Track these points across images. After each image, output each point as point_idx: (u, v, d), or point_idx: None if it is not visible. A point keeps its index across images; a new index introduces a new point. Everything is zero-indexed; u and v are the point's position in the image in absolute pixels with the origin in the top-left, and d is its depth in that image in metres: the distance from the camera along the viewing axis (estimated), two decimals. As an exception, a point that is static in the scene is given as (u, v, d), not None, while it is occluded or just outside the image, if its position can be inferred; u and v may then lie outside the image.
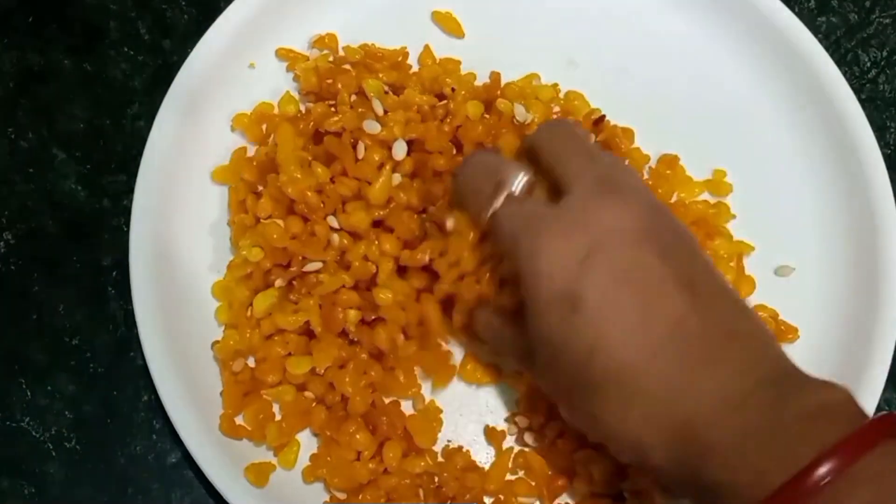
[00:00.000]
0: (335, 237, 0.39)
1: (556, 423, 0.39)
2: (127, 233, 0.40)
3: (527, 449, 0.40)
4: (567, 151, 0.35)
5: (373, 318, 0.39)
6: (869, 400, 0.39)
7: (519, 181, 0.35)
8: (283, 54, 0.44)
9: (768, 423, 0.28)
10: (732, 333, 0.31)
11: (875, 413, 0.41)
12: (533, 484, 0.39)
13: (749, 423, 0.28)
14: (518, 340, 0.35)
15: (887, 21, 0.49)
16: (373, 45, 0.44)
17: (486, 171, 0.35)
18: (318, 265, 0.39)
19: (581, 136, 0.36)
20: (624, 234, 0.31)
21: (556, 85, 0.44)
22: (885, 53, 0.49)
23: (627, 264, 0.31)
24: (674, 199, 0.43)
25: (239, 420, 0.39)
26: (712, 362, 0.30)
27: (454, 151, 0.41)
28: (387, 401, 0.39)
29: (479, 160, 0.37)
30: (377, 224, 0.40)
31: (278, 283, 0.39)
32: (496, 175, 0.35)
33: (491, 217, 0.34)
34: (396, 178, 0.40)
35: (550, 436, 0.39)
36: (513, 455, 0.40)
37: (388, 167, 0.39)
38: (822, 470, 0.25)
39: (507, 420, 0.40)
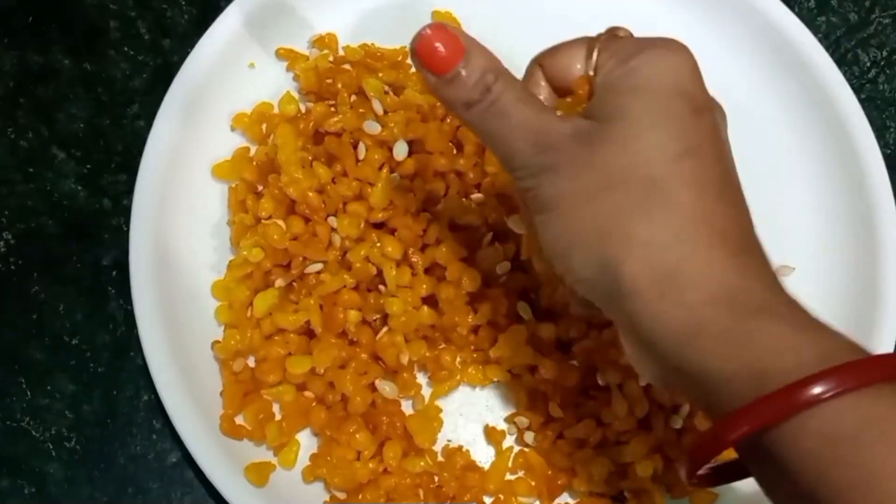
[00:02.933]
0: (336, 237, 0.39)
1: (557, 424, 0.39)
2: (127, 233, 0.40)
3: (527, 449, 0.40)
4: (575, 47, 0.33)
5: (374, 318, 0.39)
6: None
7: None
8: (283, 54, 0.44)
9: (792, 311, 0.27)
10: (736, 203, 0.29)
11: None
12: (533, 484, 0.39)
13: (770, 304, 0.27)
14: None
15: (887, 21, 0.49)
16: (373, 44, 0.44)
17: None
18: (318, 266, 0.39)
19: (577, 41, 0.34)
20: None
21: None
22: (884, 53, 0.49)
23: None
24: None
25: (239, 420, 0.39)
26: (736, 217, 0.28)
27: (454, 151, 0.42)
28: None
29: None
30: (379, 226, 0.40)
31: (279, 283, 0.39)
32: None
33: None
34: (395, 179, 0.40)
35: (550, 436, 0.39)
36: (513, 455, 0.40)
37: (385, 170, 0.39)
38: (826, 385, 0.24)
39: (506, 420, 0.40)
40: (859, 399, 0.24)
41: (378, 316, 0.40)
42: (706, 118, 0.30)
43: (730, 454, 0.27)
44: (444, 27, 0.29)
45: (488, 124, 0.29)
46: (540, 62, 0.33)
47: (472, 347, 0.40)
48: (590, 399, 0.40)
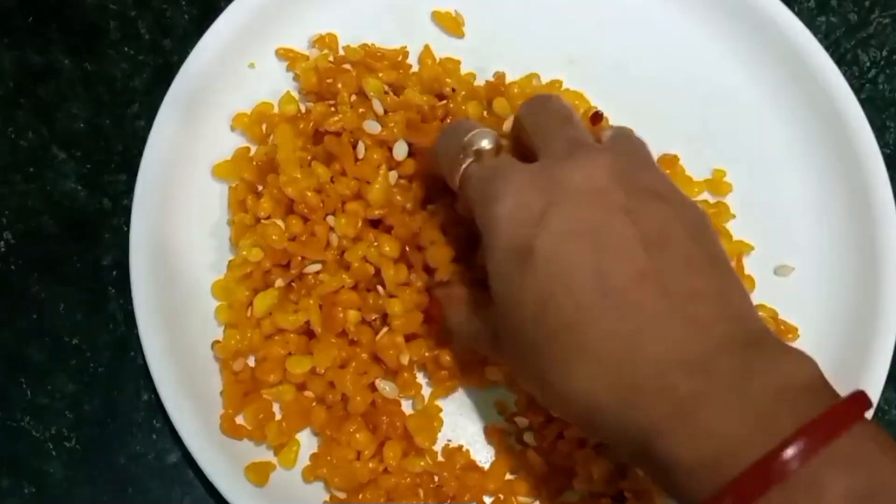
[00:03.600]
0: (335, 237, 0.39)
1: (556, 424, 0.39)
2: (127, 233, 0.40)
3: (526, 449, 0.40)
4: (543, 118, 0.35)
5: (373, 318, 0.39)
6: (869, 399, 0.39)
7: (487, 140, 0.35)
8: (283, 54, 0.44)
9: (730, 393, 0.26)
10: (698, 292, 0.29)
11: (874, 414, 0.41)
12: (533, 483, 0.39)
13: (709, 390, 0.26)
14: (486, 324, 0.35)
15: (887, 21, 0.49)
16: (373, 44, 0.44)
17: (457, 135, 0.36)
18: (317, 267, 0.39)
19: (559, 105, 0.36)
20: (591, 193, 0.30)
21: (556, 83, 0.45)
22: (884, 53, 0.49)
23: (588, 220, 0.30)
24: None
25: (239, 420, 0.39)
26: (670, 320, 0.28)
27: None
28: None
29: (452, 127, 0.37)
30: (376, 224, 0.40)
31: (278, 283, 0.39)
32: (465, 136, 0.35)
33: (461, 177, 0.35)
34: (393, 177, 0.40)
35: (550, 436, 0.39)
36: (518, 450, 0.40)
37: (384, 169, 0.39)
38: (794, 450, 0.24)
39: (506, 419, 0.40)
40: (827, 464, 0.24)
41: (377, 316, 0.39)
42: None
43: None
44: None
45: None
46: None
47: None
48: None
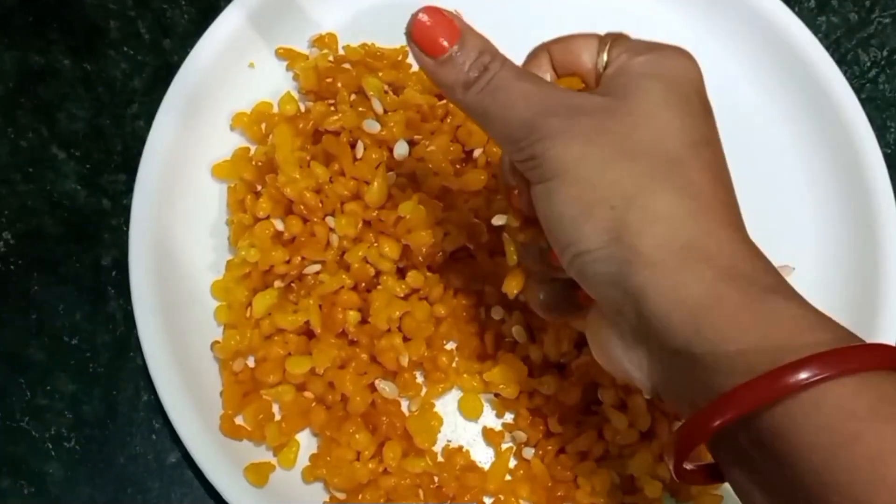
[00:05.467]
0: (334, 237, 0.39)
1: (557, 438, 0.39)
2: (127, 233, 0.40)
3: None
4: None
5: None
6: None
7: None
8: (283, 54, 0.44)
9: (784, 292, 0.26)
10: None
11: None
12: (533, 488, 0.39)
13: (764, 280, 0.26)
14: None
15: (887, 21, 0.49)
16: (373, 44, 0.44)
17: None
18: (317, 267, 0.39)
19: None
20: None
21: (556, 84, 0.45)
22: (885, 53, 0.49)
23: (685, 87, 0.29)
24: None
25: (239, 420, 0.39)
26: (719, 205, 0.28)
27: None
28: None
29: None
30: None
31: (277, 283, 0.39)
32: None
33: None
34: (392, 177, 0.40)
35: (551, 451, 0.39)
36: (515, 464, 0.40)
37: (382, 168, 0.39)
38: (813, 370, 0.23)
39: (504, 428, 0.40)
40: (879, 378, 0.24)
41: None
42: (713, 120, 0.30)
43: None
44: (438, 10, 0.29)
45: (487, 101, 0.29)
46: (548, 48, 0.33)
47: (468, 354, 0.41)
48: (592, 415, 0.39)
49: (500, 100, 0.29)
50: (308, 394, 0.39)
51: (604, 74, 0.31)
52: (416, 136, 0.41)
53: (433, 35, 0.29)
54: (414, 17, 0.29)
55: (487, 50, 0.29)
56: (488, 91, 0.29)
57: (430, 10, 0.29)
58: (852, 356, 0.24)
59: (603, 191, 0.27)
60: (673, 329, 0.26)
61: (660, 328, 0.26)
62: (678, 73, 0.29)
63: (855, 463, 0.23)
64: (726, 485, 0.39)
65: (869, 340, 0.25)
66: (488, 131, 0.30)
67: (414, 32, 0.29)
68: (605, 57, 0.31)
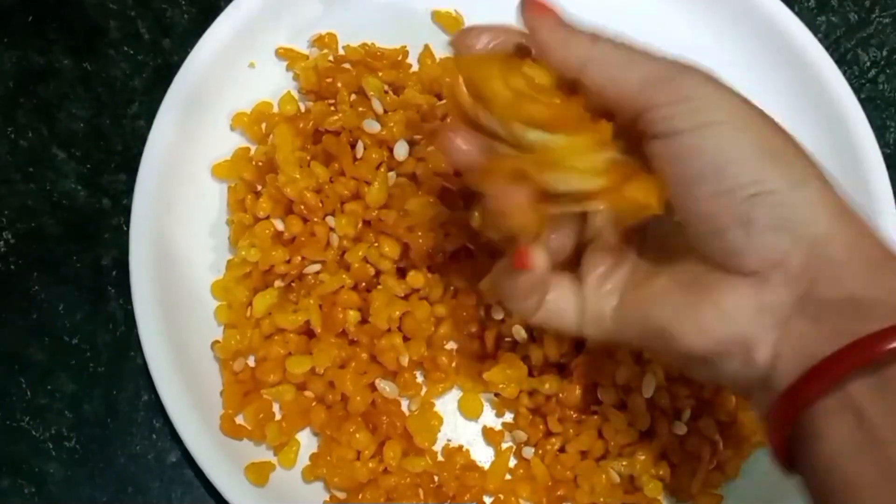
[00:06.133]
0: (334, 237, 0.39)
1: (558, 438, 0.39)
2: (127, 232, 0.40)
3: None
4: None
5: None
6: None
7: None
8: (283, 54, 0.44)
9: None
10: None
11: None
12: (534, 489, 0.39)
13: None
14: None
15: (887, 21, 0.49)
16: (373, 44, 0.44)
17: None
18: (317, 267, 0.39)
19: None
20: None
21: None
22: (885, 53, 0.49)
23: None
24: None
25: (239, 420, 0.39)
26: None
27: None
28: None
29: None
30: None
31: (277, 283, 0.39)
32: None
33: None
34: (392, 177, 0.40)
35: (552, 450, 0.39)
36: (515, 463, 0.40)
37: (383, 168, 0.39)
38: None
39: (504, 428, 0.40)
40: None
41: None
42: None
43: None
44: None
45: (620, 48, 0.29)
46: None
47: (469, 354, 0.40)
48: (592, 415, 0.40)
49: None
50: (308, 393, 0.39)
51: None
52: (416, 136, 0.41)
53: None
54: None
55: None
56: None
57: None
58: None
59: (777, 139, 0.28)
60: (848, 275, 0.27)
61: (830, 275, 0.27)
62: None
63: None
64: (725, 485, 0.40)
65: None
66: (621, 75, 0.29)
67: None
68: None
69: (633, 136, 0.29)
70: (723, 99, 0.28)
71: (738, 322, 0.28)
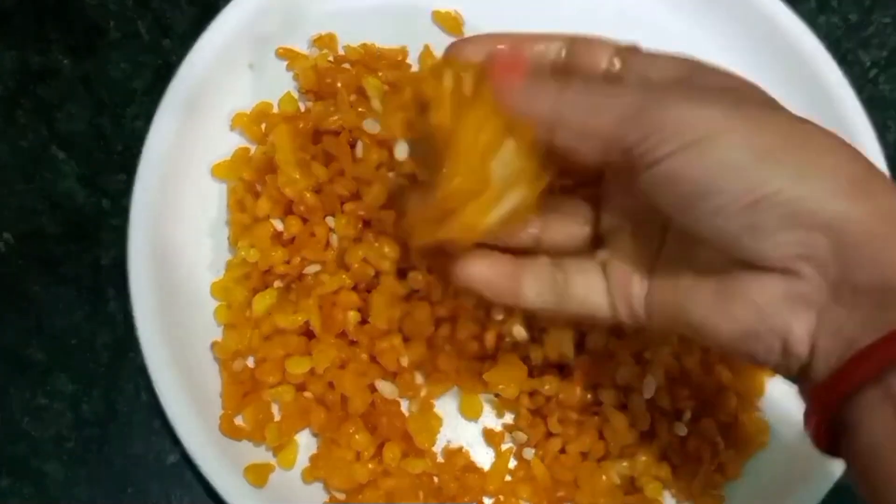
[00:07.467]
0: (334, 237, 0.39)
1: (558, 439, 0.39)
2: (126, 233, 0.40)
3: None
4: None
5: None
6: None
7: None
8: (283, 54, 0.44)
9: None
10: None
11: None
12: (534, 490, 0.39)
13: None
14: None
15: (887, 21, 0.49)
16: (373, 44, 0.44)
17: None
18: (317, 267, 0.39)
19: None
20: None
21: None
22: (885, 53, 0.49)
23: None
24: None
25: (238, 420, 0.39)
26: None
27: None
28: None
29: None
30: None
31: (277, 283, 0.39)
32: None
33: None
34: (392, 178, 0.40)
35: (552, 451, 0.39)
36: (516, 464, 0.40)
37: (383, 169, 0.39)
38: None
39: (504, 429, 0.40)
40: None
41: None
42: None
43: None
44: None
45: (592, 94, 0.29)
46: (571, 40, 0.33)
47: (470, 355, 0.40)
48: (592, 415, 0.39)
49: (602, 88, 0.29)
50: (308, 394, 0.39)
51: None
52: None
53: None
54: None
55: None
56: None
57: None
58: None
59: (770, 136, 0.28)
60: (879, 258, 0.26)
61: (860, 259, 0.26)
62: None
63: None
64: (727, 486, 0.40)
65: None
66: (592, 121, 0.29)
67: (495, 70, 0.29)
68: (617, 63, 0.32)
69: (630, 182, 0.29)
70: (697, 116, 0.27)
71: (773, 315, 0.27)
